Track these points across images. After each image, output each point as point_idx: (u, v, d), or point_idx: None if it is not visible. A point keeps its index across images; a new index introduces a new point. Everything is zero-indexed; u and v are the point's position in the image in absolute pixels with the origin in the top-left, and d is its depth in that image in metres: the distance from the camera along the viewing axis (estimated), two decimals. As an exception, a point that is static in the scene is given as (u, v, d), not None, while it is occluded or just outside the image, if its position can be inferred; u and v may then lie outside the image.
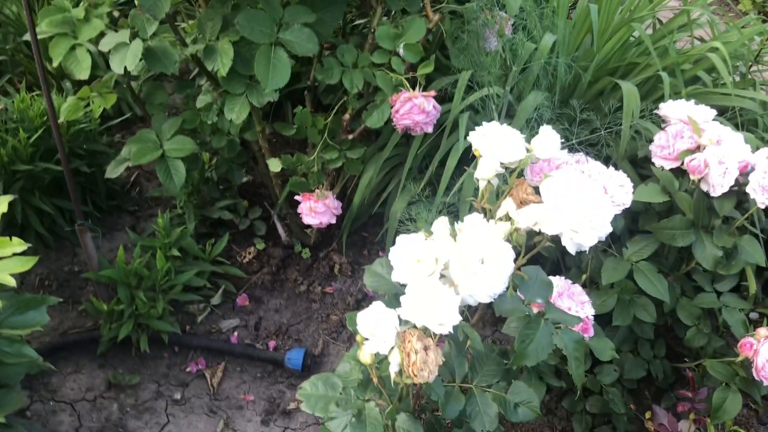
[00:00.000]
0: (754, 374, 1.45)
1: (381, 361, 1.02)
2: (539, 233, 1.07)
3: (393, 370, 0.93)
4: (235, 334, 2.00)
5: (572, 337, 1.16)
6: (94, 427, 1.77)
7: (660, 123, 1.73)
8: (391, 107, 1.61)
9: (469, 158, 1.75)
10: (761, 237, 1.60)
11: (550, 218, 1.00)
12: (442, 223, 1.02)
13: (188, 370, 1.92)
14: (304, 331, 2.04)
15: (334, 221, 1.85)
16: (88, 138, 2.19)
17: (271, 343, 1.99)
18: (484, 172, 1.06)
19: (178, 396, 1.86)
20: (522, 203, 1.07)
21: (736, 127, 1.87)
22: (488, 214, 1.10)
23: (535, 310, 1.17)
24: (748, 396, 1.56)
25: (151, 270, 1.89)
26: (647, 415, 1.86)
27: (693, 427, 1.58)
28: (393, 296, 1.20)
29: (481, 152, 1.08)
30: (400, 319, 0.96)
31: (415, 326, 0.95)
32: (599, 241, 1.80)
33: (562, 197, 1.00)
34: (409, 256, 0.99)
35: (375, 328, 0.93)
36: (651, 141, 1.67)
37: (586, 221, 0.98)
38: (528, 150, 1.10)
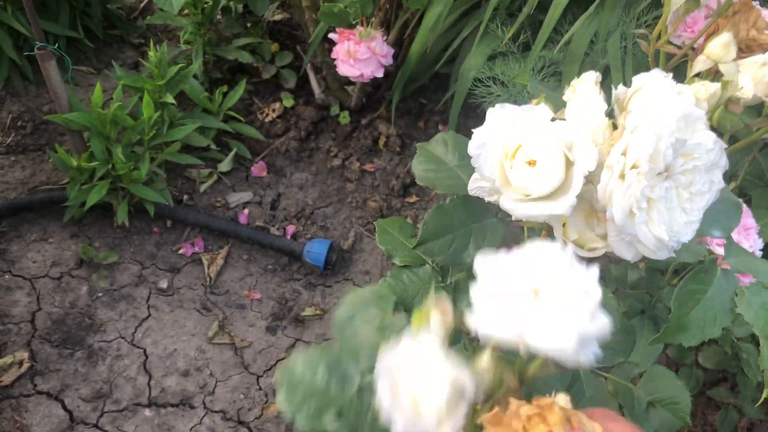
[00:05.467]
0: None
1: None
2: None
3: None
4: (246, 212, 1.56)
5: (765, 300, 0.65)
6: (55, 314, 1.38)
7: None
8: None
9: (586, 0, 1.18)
10: None
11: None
12: (587, 85, 0.50)
13: (181, 251, 1.50)
14: (332, 217, 1.58)
15: (380, 74, 1.33)
16: (76, -60, 1.68)
17: (290, 228, 1.54)
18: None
19: (164, 284, 1.45)
20: (745, 49, 0.54)
21: None
22: (664, 65, 0.57)
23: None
24: None
25: (137, 119, 1.43)
26: (780, 377, 1.38)
27: None
28: (460, 203, 0.71)
29: None
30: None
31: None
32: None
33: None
34: (504, 159, 0.48)
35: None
36: None
37: None
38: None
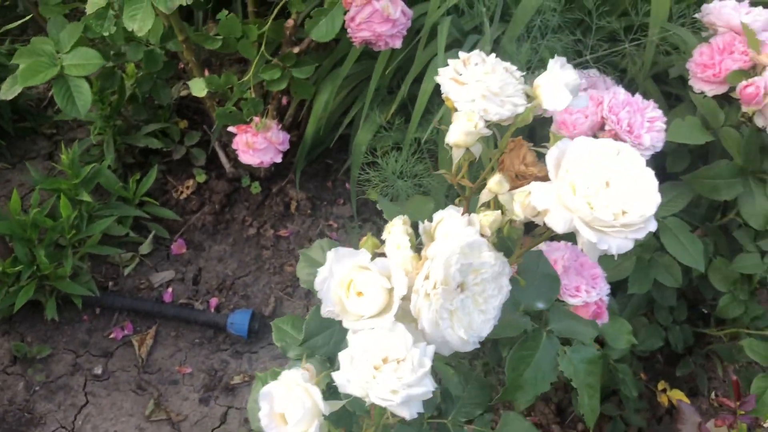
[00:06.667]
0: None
1: None
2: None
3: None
4: (170, 290, 1.67)
5: (584, 356, 0.83)
6: (-5, 413, 1.46)
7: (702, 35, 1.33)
8: (345, 12, 1.19)
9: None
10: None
11: (560, 205, 0.62)
12: (397, 228, 0.66)
13: (112, 336, 1.59)
14: (252, 285, 1.71)
15: (279, 159, 1.47)
16: (-22, 46, 1.76)
17: (213, 301, 1.65)
18: (458, 136, 0.67)
19: (99, 370, 1.54)
20: (519, 178, 0.70)
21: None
22: (467, 194, 0.73)
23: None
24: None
25: (57, 219, 1.52)
26: (660, 385, 1.58)
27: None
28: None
29: (454, 102, 0.68)
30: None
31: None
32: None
33: (581, 171, 0.62)
34: (341, 292, 0.64)
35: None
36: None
37: (618, 212, 0.61)
38: (529, 96, 0.70)
